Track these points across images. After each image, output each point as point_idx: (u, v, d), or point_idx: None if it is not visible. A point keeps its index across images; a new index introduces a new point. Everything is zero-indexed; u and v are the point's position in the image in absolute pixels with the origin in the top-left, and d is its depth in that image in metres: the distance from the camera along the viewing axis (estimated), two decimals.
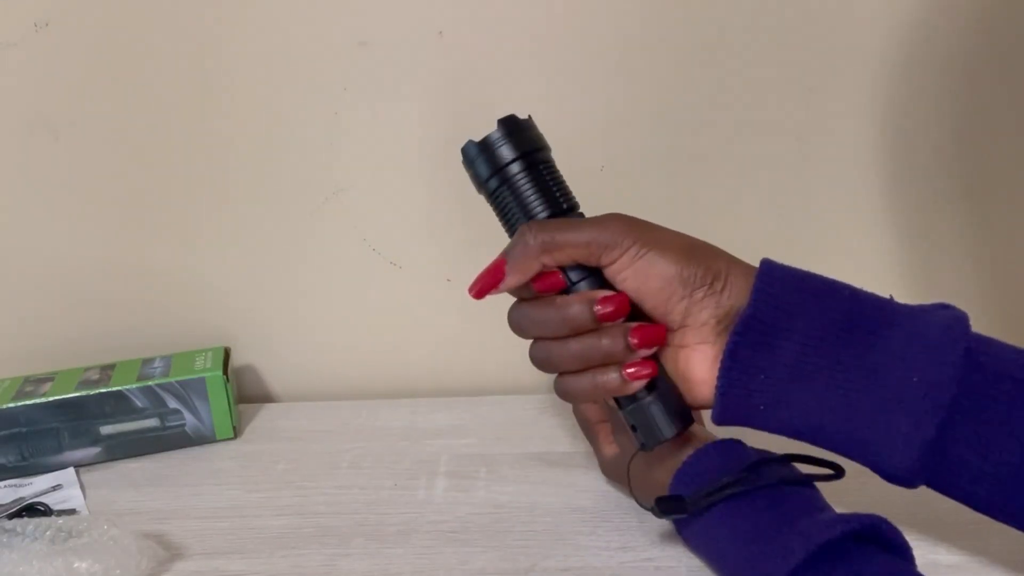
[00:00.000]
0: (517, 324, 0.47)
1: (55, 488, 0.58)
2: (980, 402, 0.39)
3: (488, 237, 0.55)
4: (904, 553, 0.40)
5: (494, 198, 0.47)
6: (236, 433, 0.64)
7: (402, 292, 0.70)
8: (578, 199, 0.48)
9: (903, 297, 0.43)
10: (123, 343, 0.68)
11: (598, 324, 0.44)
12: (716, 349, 0.44)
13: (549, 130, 0.62)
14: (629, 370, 0.44)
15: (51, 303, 0.69)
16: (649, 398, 0.45)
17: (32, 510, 0.54)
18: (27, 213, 0.66)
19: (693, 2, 0.62)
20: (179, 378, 0.61)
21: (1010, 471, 0.39)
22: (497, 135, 0.46)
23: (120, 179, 0.66)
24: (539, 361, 0.46)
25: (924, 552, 0.48)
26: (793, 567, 0.37)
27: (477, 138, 0.46)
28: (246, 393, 0.72)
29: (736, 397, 0.43)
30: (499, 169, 0.46)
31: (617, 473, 0.54)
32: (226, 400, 0.62)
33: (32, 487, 0.58)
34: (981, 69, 0.64)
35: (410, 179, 0.66)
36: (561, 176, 0.47)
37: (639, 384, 0.44)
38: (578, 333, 0.44)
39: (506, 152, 0.46)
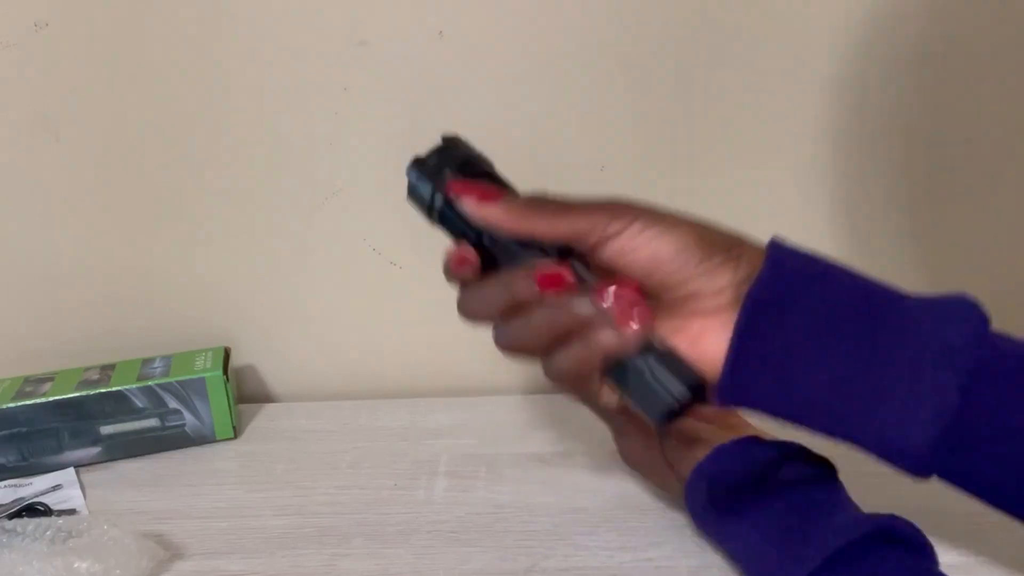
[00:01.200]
0: (466, 308, 0.45)
1: (55, 488, 0.58)
2: (998, 385, 0.37)
3: None
4: (923, 551, 0.39)
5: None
6: (236, 433, 0.64)
7: (402, 292, 0.70)
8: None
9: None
10: (123, 343, 0.68)
11: (542, 296, 0.41)
12: (731, 316, 0.39)
13: (550, 130, 0.62)
14: (625, 320, 0.39)
15: (51, 303, 0.69)
16: (649, 357, 0.40)
17: (32, 510, 0.54)
18: (27, 213, 0.66)
19: (694, 3, 0.62)
20: (179, 378, 0.61)
21: None
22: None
23: (120, 179, 0.66)
24: (506, 344, 0.43)
25: None
26: (811, 571, 0.38)
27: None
28: (246, 393, 0.72)
29: (748, 364, 0.40)
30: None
31: (636, 460, 0.54)
32: (226, 400, 0.62)
33: (32, 487, 0.58)
34: (982, 68, 0.64)
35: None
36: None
37: (637, 334, 0.40)
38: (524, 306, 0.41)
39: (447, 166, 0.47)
